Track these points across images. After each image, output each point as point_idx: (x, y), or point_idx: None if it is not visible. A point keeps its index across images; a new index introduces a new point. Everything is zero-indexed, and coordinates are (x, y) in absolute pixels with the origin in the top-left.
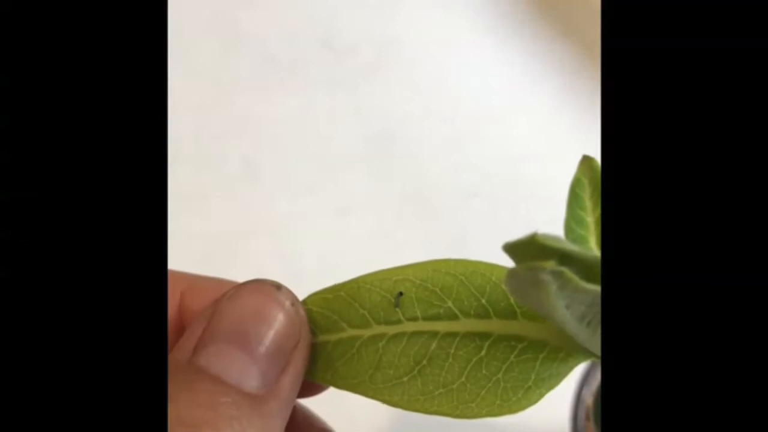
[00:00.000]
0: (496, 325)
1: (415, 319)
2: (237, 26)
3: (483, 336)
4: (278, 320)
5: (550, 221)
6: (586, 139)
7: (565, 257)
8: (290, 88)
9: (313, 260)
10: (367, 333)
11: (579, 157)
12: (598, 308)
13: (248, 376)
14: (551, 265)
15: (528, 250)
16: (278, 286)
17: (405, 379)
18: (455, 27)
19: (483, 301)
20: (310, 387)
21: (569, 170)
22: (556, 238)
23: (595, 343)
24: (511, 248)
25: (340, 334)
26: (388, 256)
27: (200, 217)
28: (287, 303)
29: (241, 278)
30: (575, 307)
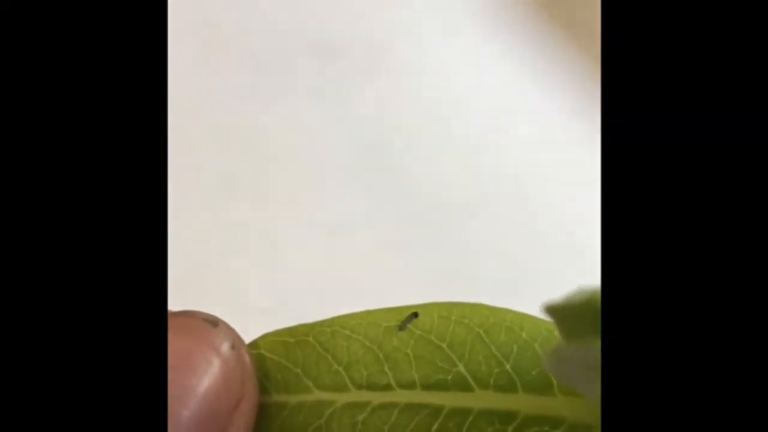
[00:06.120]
0: (524, 402)
1: (411, 386)
2: (218, 28)
3: (506, 416)
4: (211, 370)
5: (557, 239)
6: (594, 151)
7: None
8: (275, 95)
9: (299, 284)
10: (341, 399)
11: (587, 171)
12: None
13: None
14: None
15: (583, 316)
16: (214, 322)
17: None
18: (454, 32)
19: (507, 366)
20: None
21: (577, 185)
22: None
23: None
24: (557, 312)
25: (304, 396)
26: (381, 281)
27: (173, 235)
28: (225, 346)
29: (219, 304)
30: None
